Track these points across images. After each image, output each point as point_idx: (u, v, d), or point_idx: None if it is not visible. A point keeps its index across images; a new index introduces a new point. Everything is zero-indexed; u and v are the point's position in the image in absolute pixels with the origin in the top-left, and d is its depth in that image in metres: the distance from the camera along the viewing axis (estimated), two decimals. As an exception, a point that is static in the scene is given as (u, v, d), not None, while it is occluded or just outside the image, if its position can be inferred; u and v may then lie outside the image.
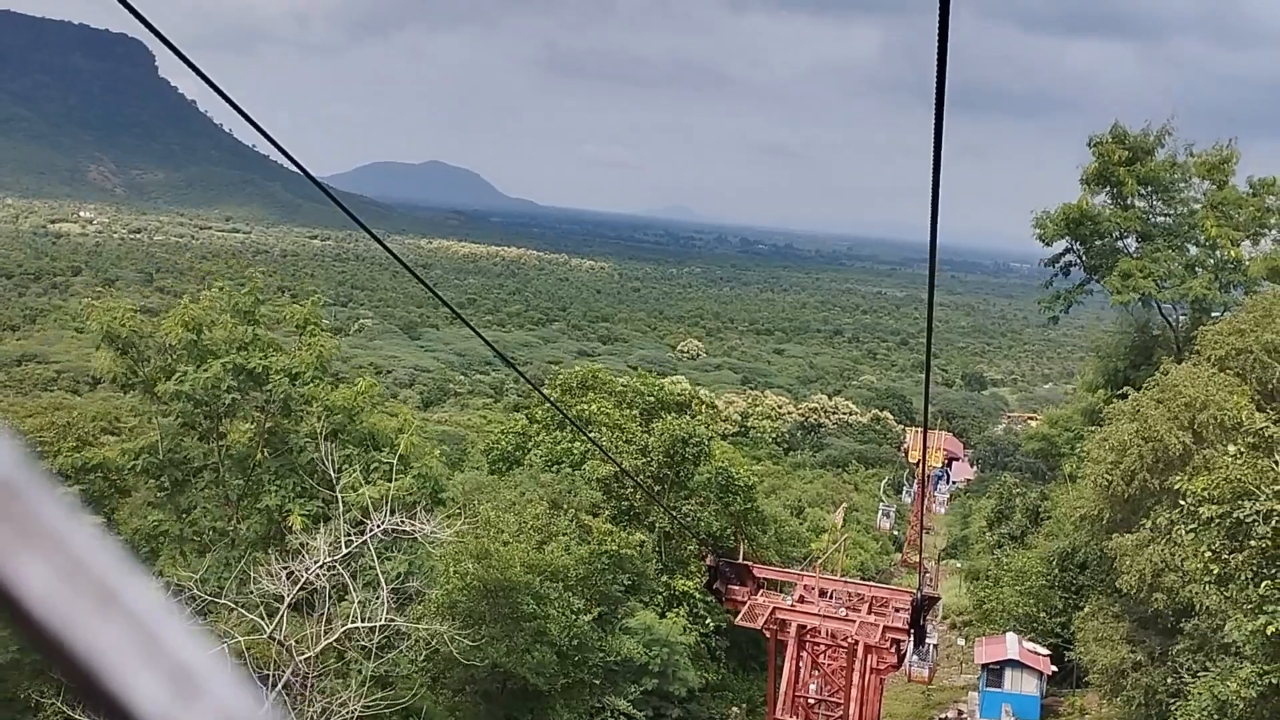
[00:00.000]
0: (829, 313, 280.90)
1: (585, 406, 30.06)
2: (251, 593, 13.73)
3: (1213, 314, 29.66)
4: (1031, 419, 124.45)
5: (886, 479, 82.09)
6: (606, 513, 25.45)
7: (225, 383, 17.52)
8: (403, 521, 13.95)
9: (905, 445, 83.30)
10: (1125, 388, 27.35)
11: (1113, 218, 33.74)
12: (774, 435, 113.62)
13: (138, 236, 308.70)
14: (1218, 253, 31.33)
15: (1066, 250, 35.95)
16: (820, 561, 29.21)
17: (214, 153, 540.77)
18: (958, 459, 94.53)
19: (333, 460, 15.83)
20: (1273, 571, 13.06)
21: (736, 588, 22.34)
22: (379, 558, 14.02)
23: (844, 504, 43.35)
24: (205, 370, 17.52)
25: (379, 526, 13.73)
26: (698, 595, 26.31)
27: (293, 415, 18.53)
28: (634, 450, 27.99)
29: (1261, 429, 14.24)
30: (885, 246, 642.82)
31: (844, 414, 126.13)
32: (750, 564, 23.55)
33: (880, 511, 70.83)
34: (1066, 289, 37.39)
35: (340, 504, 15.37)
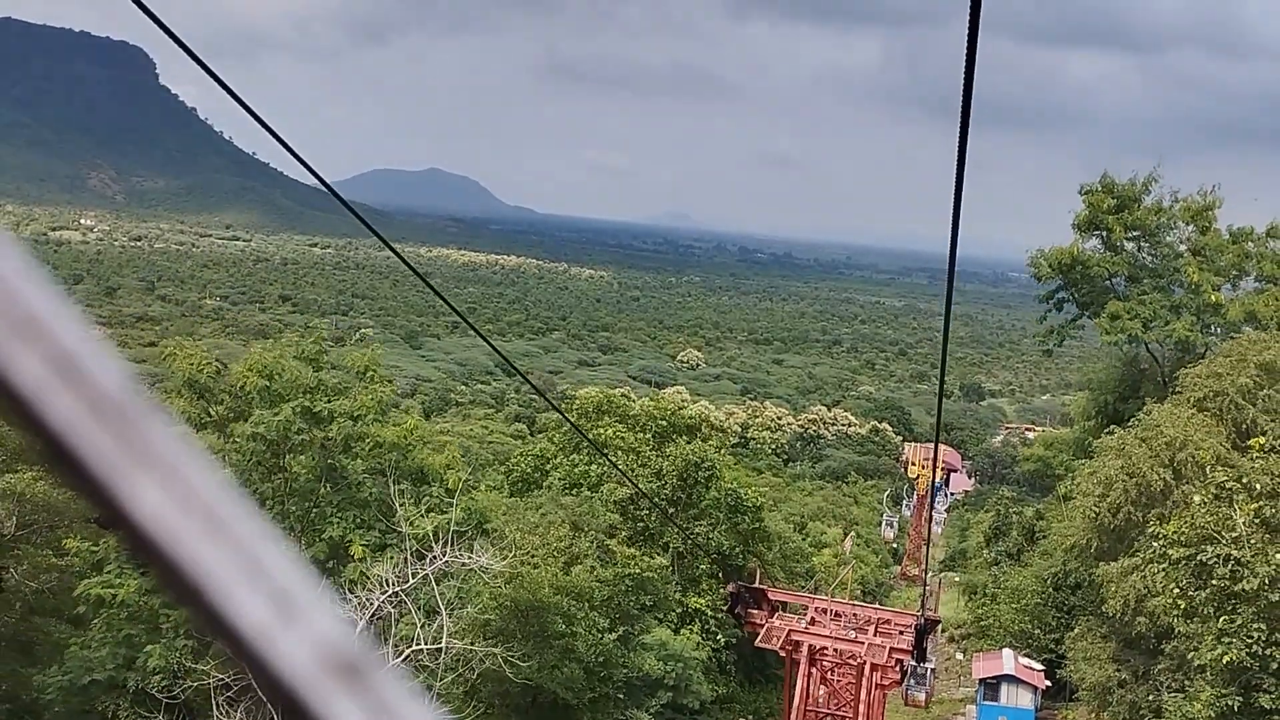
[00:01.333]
0: (828, 322, 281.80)
1: (602, 431, 31.58)
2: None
3: (1197, 352, 31.36)
4: (1029, 430, 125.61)
5: (888, 491, 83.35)
6: (623, 533, 26.85)
7: (295, 424, 19.15)
8: (461, 554, 15.33)
9: (904, 458, 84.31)
10: (1114, 424, 29.56)
11: (1102, 262, 35.61)
12: (774, 447, 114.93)
13: (138, 244, 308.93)
14: (1199, 296, 33.03)
15: (1059, 288, 37.80)
16: (832, 587, 31.17)
17: (214, 160, 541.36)
18: (956, 471, 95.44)
19: (396, 495, 17.39)
20: (1230, 607, 14.54)
21: (755, 611, 24.17)
22: (436, 584, 15.34)
23: (850, 534, 44.72)
24: (277, 414, 19.12)
25: (443, 559, 15.11)
26: (709, 612, 27.79)
27: (352, 452, 20.02)
28: (649, 473, 29.43)
29: (1223, 482, 15.76)
30: (884, 256, 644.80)
31: (843, 425, 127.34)
32: (765, 588, 25.43)
33: (884, 521, 73.31)
34: (1060, 324, 39.37)
35: (401, 536, 16.85)
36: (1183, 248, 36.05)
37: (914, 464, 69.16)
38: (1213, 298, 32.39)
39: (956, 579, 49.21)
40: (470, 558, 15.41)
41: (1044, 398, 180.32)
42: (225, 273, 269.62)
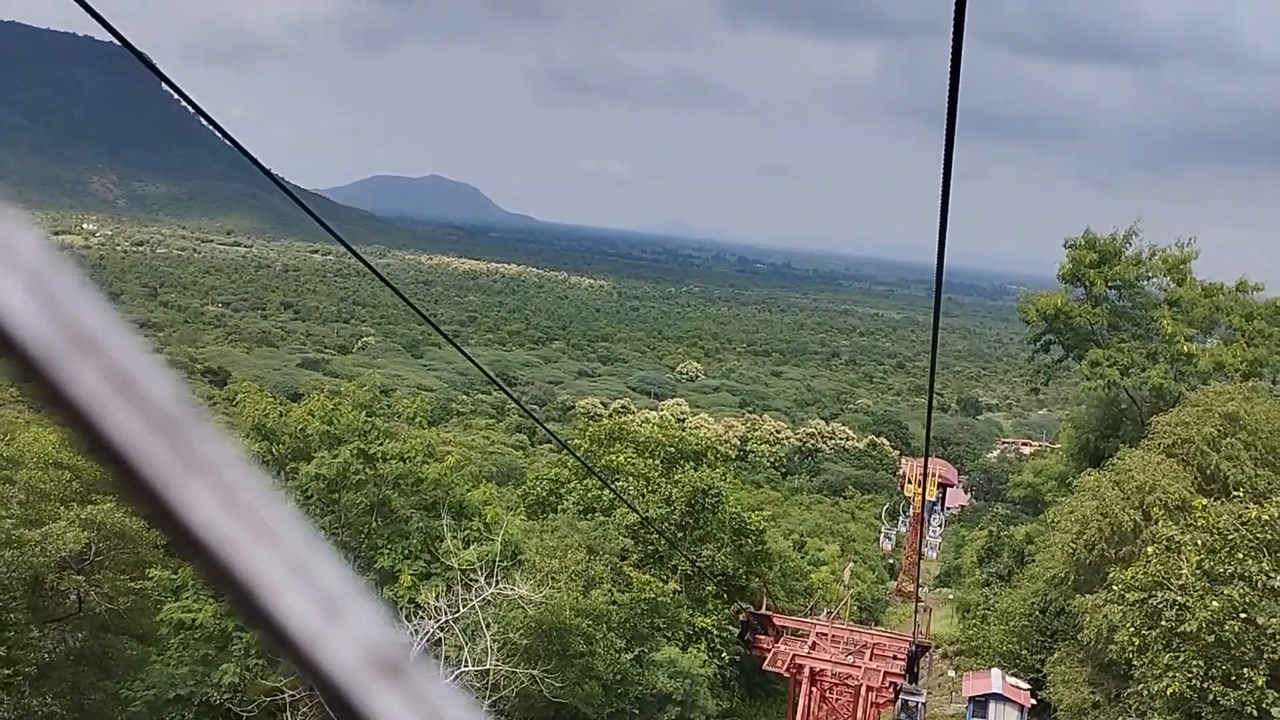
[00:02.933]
0: (826, 334, 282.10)
1: (614, 457, 33.26)
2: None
3: (1170, 397, 33.47)
4: (1025, 445, 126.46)
5: (885, 506, 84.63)
6: (634, 556, 28.46)
7: (353, 465, 20.99)
8: (504, 584, 16.98)
9: (901, 473, 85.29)
10: (1096, 460, 32.04)
11: (1083, 313, 37.84)
12: (772, 460, 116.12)
13: (140, 249, 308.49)
14: (1173, 346, 35.14)
15: (1045, 332, 40.31)
16: (834, 613, 33.27)
17: (215, 166, 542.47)
18: (952, 485, 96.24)
19: (444, 529, 19.22)
20: (1175, 645, 16.47)
21: (762, 637, 26.42)
22: (480, 610, 16.89)
23: (849, 564, 46.37)
24: (336, 455, 20.94)
25: (490, 589, 16.75)
26: (715, 631, 29.45)
27: (400, 489, 21.82)
28: (659, 499, 31.08)
29: (1171, 536, 17.71)
30: (883, 267, 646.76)
31: (841, 439, 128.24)
32: (772, 615, 27.64)
33: (883, 533, 75.09)
34: (1046, 365, 42.31)
35: (445, 566, 18.57)
36: (1161, 295, 38.27)
37: (910, 481, 70.54)
38: (1185, 348, 34.52)
39: (950, 596, 50.71)
40: (513, 589, 17.04)
41: (1041, 412, 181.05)
42: (227, 279, 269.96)
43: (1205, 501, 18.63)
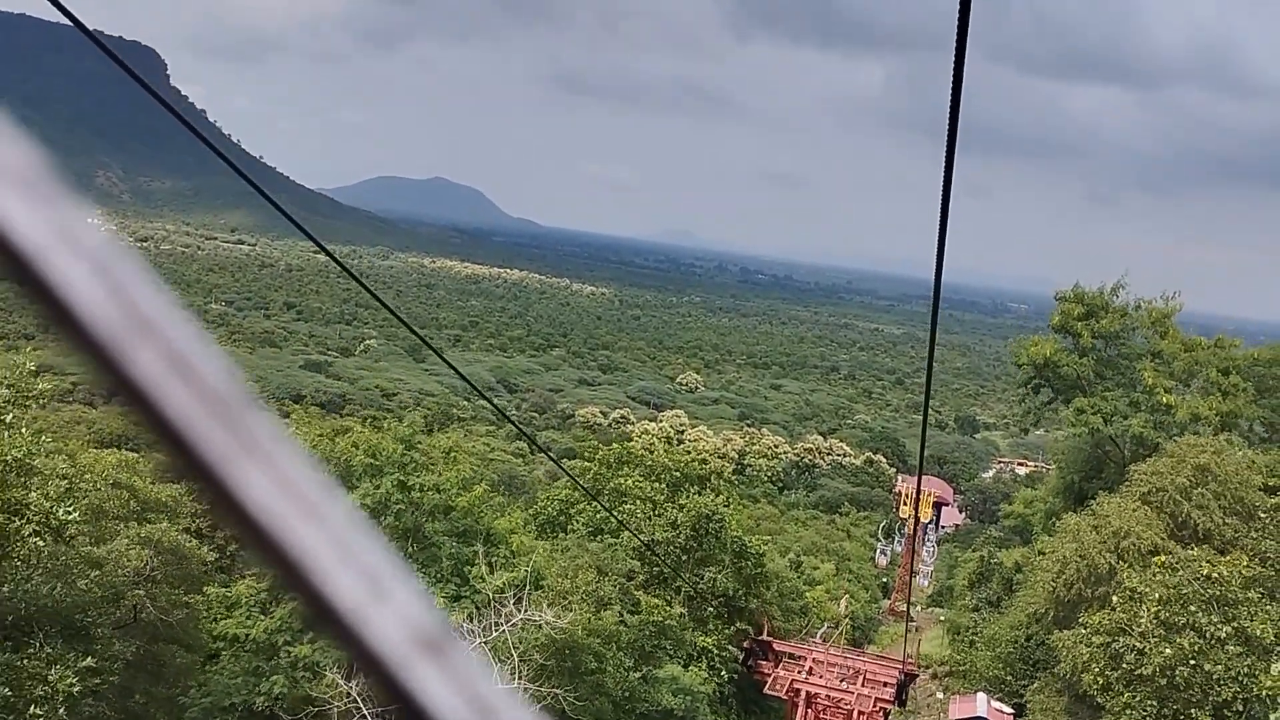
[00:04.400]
0: (826, 348, 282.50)
1: (622, 481, 34.73)
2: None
3: (1150, 445, 35.41)
4: (1021, 465, 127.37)
5: (882, 524, 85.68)
6: (640, 577, 29.89)
7: (394, 495, 22.55)
8: (531, 610, 18.41)
9: (897, 490, 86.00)
10: (1080, 499, 34.12)
11: (1071, 364, 39.89)
12: (770, 474, 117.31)
13: (145, 245, 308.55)
14: (1153, 397, 37.17)
15: (1035, 377, 42.50)
16: (831, 641, 35.13)
17: (220, 162, 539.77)
18: (947, 504, 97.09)
19: (473, 556, 20.75)
20: (1134, 686, 18.17)
21: (763, 662, 28.25)
22: (509, 633, 18.27)
23: (846, 595, 47.94)
24: (379, 486, 22.44)
25: (521, 615, 18.17)
26: (715, 650, 30.91)
27: (433, 517, 23.33)
28: (665, 523, 32.54)
29: (1133, 588, 19.42)
30: (884, 281, 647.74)
31: (838, 455, 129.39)
32: (772, 641, 29.44)
33: (878, 550, 76.49)
34: (1036, 406, 44.43)
35: (474, 590, 20.03)
36: (1145, 344, 40.41)
37: (906, 502, 71.85)
38: (1165, 400, 36.55)
39: (942, 617, 52.08)
40: (540, 615, 18.46)
41: (1039, 432, 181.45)
42: (230, 277, 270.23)
43: (1163, 558, 20.44)
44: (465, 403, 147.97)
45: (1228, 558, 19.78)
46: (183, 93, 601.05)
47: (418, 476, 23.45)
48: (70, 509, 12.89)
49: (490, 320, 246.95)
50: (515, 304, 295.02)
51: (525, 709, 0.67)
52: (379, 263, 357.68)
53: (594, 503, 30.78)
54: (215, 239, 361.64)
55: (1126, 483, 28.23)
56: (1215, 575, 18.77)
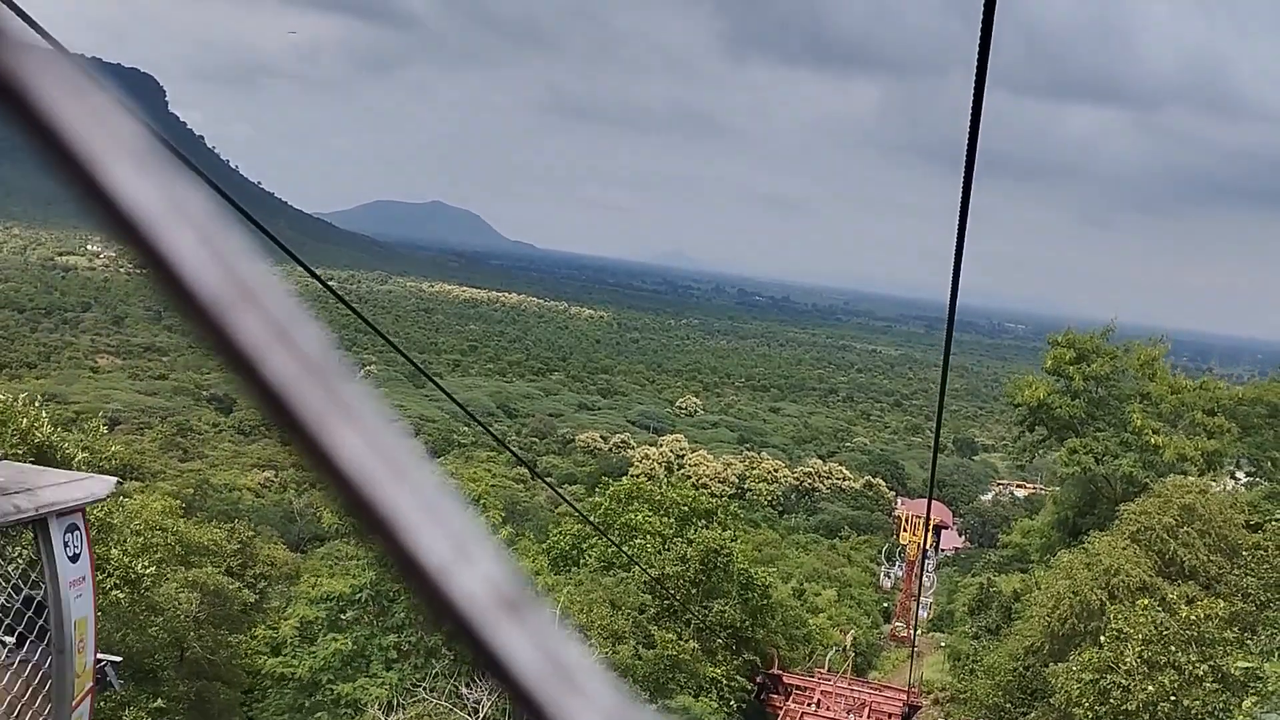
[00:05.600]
0: (824, 370, 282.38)
1: (633, 515, 35.89)
2: (447, 690, 19.28)
3: (1140, 483, 37.03)
4: (1020, 487, 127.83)
5: (884, 548, 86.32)
6: (652, 610, 30.98)
7: None
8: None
9: (897, 514, 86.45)
10: (1074, 533, 35.99)
11: (1063, 406, 41.74)
12: (769, 499, 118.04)
13: (144, 272, 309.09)
14: (1142, 438, 38.92)
15: (1029, 417, 44.19)
16: (839, 672, 36.42)
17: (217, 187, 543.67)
18: (947, 528, 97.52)
19: None
20: None
21: (774, 696, 29.56)
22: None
23: (851, 632, 49.19)
24: None
25: None
26: (724, 680, 32.00)
27: None
28: (675, 557, 33.66)
29: (1119, 628, 20.70)
30: (881, 302, 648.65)
31: (837, 479, 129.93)
32: (781, 674, 30.74)
33: (882, 573, 77.55)
34: (1031, 443, 46.34)
35: None
36: (1134, 384, 42.19)
37: (906, 529, 72.89)
38: (1153, 440, 38.27)
39: (943, 643, 53.03)
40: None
41: (1039, 454, 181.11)
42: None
43: (1146, 601, 21.74)
44: (466, 429, 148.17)
45: (1204, 601, 21.18)
46: (181, 119, 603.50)
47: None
48: (147, 564, 13.99)
49: (489, 345, 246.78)
50: (514, 328, 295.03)
51: (598, 668, 0.68)
52: (378, 288, 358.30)
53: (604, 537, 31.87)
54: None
55: (1117, 521, 29.64)
56: (1193, 618, 20.07)
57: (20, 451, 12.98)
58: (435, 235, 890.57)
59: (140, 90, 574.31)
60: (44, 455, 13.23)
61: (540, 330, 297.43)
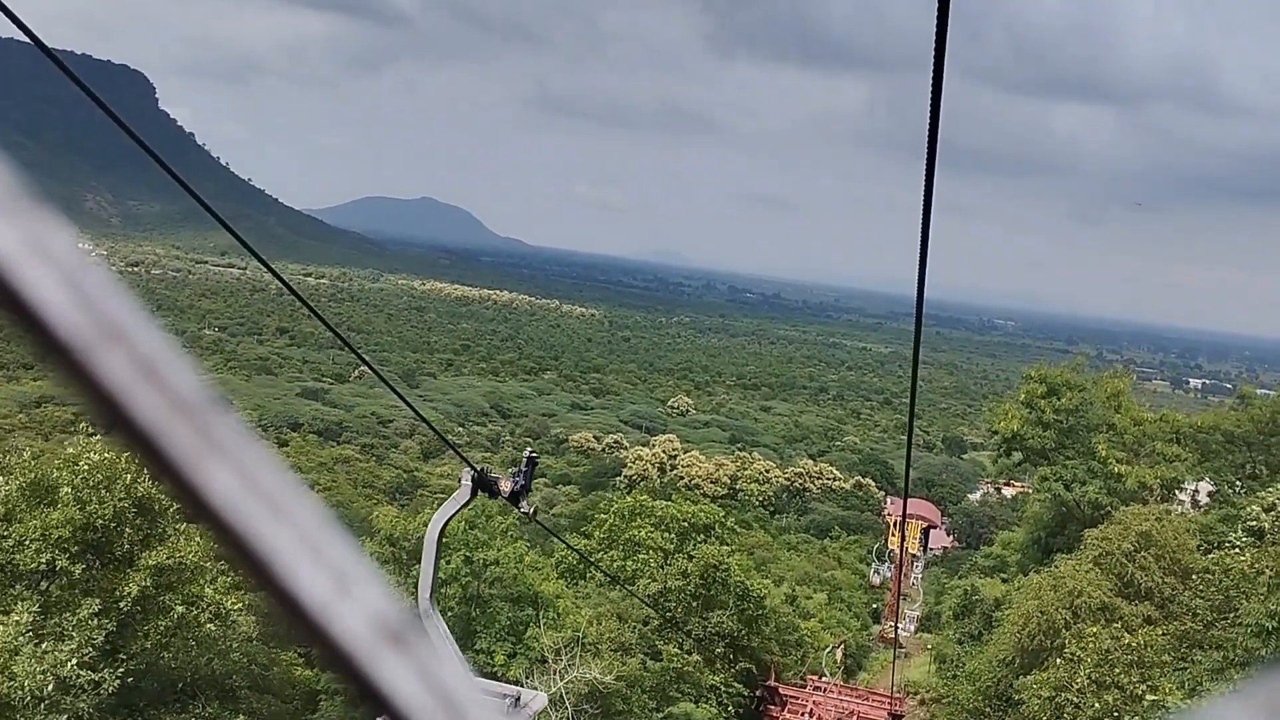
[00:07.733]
0: (815, 368, 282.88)
1: (635, 532, 38.05)
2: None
3: (1105, 509, 39.66)
4: (1008, 486, 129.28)
5: (875, 547, 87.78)
6: (655, 622, 33.08)
7: (462, 570, 25.86)
8: (581, 666, 21.75)
9: (886, 511, 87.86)
10: (1047, 553, 39.25)
11: (1035, 435, 44.97)
12: (761, 499, 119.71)
13: (136, 270, 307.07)
14: (1107, 466, 42.02)
15: (1006, 444, 47.35)
16: (831, 679, 38.78)
17: (209, 185, 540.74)
18: (935, 527, 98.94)
19: (527, 619, 24.21)
20: None
21: (773, 708, 31.92)
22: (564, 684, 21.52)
23: (841, 641, 51.36)
24: (449, 562, 25.53)
25: (575, 671, 21.49)
26: (722, 687, 34.12)
27: (492, 585, 26.78)
28: (676, 572, 35.80)
29: (1073, 651, 23.03)
30: (872, 299, 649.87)
31: (828, 479, 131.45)
32: (778, 686, 33.10)
33: (872, 570, 79.50)
34: (1009, 466, 50.41)
35: (528, 647, 23.51)
36: (1099, 416, 45.11)
37: (894, 531, 74.79)
38: (1117, 469, 41.41)
39: (930, 645, 55.16)
40: (590, 671, 21.81)
41: (1015, 475, 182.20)
42: (222, 302, 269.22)
43: (1095, 629, 24.22)
44: (460, 429, 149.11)
45: (1142, 631, 23.79)
46: (171, 116, 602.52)
47: (480, 553, 26.81)
48: (237, 603, 15.99)
49: (481, 344, 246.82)
50: (506, 326, 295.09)
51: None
52: (370, 285, 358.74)
53: (609, 551, 33.98)
54: (205, 262, 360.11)
55: (1081, 545, 32.24)
56: (1134, 644, 22.45)
57: (126, 504, 14.93)
58: (426, 231, 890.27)
59: (129, 87, 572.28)
60: (144, 508, 15.19)
61: (532, 328, 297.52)
